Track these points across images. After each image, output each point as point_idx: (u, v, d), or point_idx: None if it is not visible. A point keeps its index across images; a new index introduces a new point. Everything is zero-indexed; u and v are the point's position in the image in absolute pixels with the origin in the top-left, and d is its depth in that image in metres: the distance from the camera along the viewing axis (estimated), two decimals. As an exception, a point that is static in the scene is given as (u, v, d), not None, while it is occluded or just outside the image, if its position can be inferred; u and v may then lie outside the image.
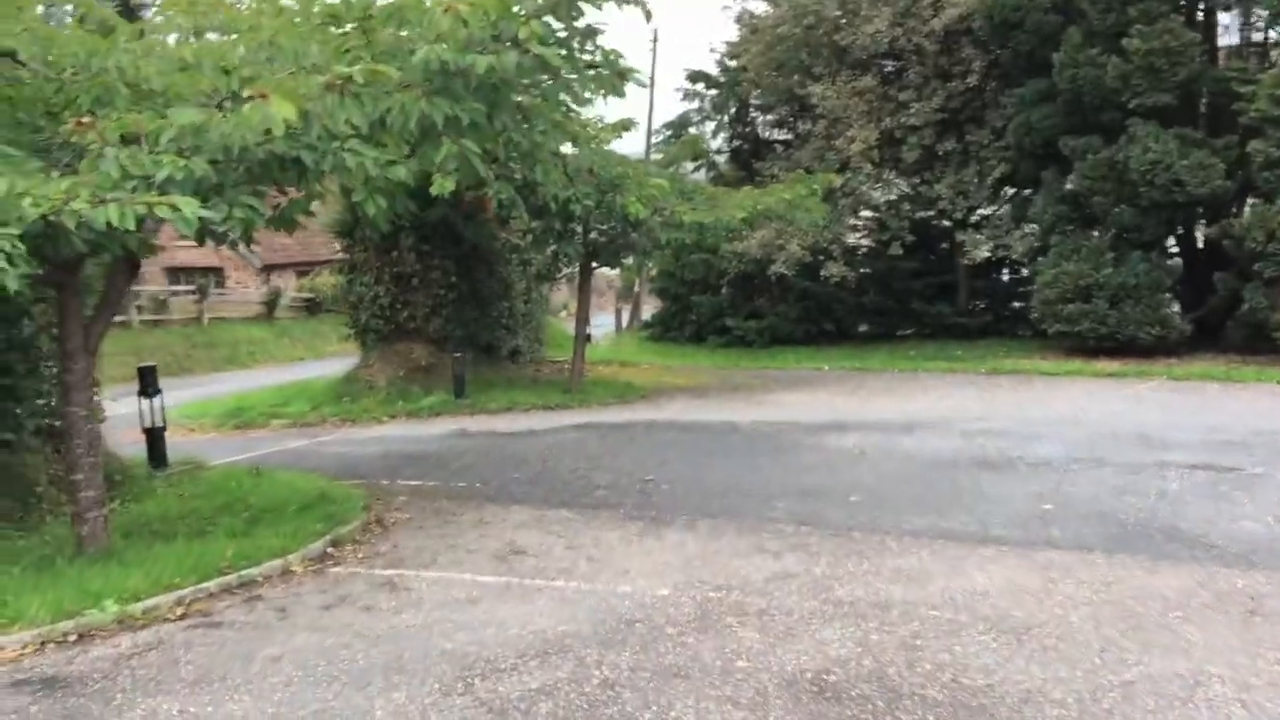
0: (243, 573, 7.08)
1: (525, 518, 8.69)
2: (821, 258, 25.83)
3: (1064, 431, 12.48)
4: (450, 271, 17.35)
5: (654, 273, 28.35)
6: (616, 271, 40.07)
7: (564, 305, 64.24)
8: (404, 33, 7.42)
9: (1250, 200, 20.44)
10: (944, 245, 28.72)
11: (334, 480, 10.22)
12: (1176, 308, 21.14)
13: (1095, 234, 21.19)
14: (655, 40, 39.82)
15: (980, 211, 25.69)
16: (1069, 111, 21.21)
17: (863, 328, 29.27)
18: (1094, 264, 20.91)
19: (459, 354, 16.54)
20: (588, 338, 33.53)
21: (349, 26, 7.78)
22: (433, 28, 6.90)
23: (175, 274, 40.61)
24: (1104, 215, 20.98)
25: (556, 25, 7.53)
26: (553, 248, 16.71)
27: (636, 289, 39.38)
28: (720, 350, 28.17)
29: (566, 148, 16.31)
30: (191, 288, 35.12)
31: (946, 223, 27.42)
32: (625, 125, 15.74)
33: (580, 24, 7.64)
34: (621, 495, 9.51)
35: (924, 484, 9.64)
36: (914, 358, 23.59)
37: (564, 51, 7.63)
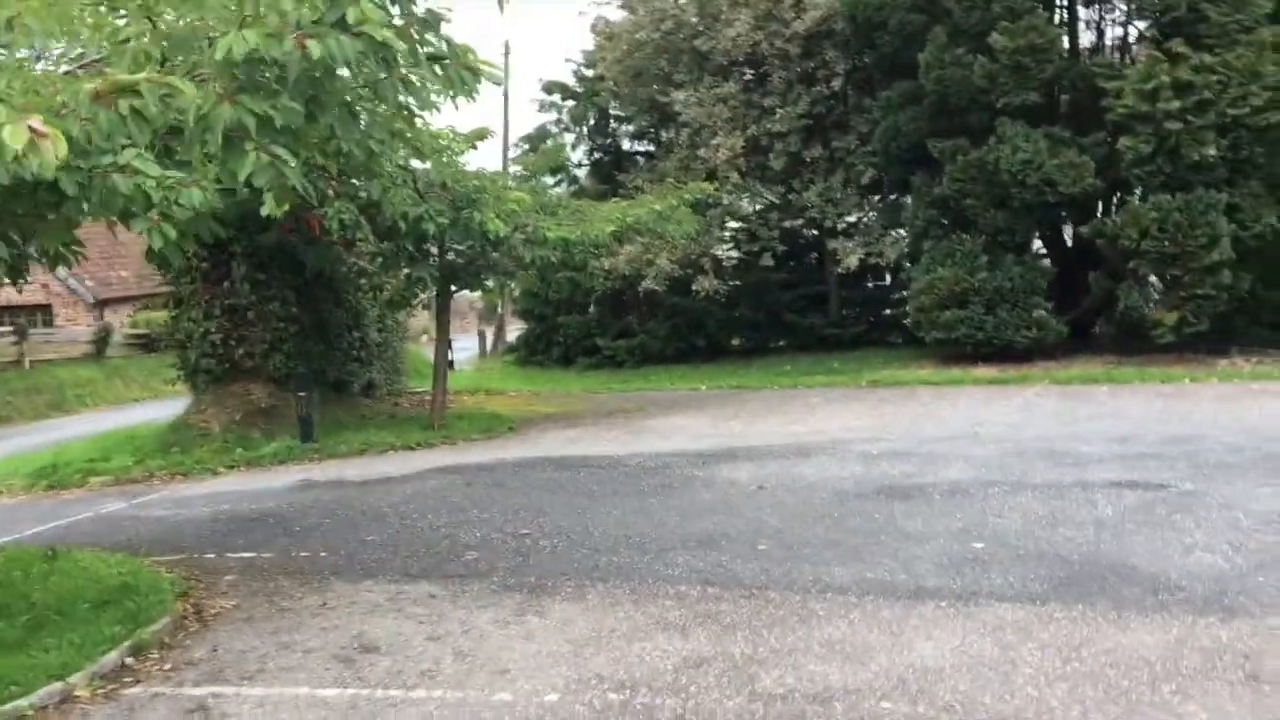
0: (6, 706, 5.48)
1: (379, 597, 7.25)
2: (691, 272, 24.86)
3: (966, 450, 11.65)
4: (290, 302, 15.65)
5: (517, 293, 26.94)
6: (477, 293, 38.57)
7: (424, 330, 62.00)
8: (196, 16, 5.95)
9: (1121, 198, 20.32)
10: (814, 255, 28.17)
11: (148, 559, 8.60)
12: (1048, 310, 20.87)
13: (968, 237, 20.74)
14: (507, 52, 38.42)
15: (849, 218, 25.12)
16: (936, 113, 20.72)
17: (735, 342, 28.42)
18: (968, 268, 20.44)
19: (303, 393, 14.86)
20: (450, 364, 31.97)
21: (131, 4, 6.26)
22: (238, 8, 5.48)
23: (-2, 310, 37.37)
24: (976, 218, 20.54)
25: (393, 11, 6.20)
26: (405, 271, 15.15)
27: (500, 310, 37.84)
28: (590, 372, 26.92)
29: (416, 163, 14.96)
30: (8, 329, 32.15)
31: (814, 232, 26.83)
32: (480, 135, 14.36)
33: (420, 9, 6.34)
34: (494, 557, 8.15)
35: (834, 522, 8.57)
36: (791, 372, 22.79)
37: (403, 45, 6.32)
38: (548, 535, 8.76)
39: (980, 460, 10.93)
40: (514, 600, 6.98)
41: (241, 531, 9.87)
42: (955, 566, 7.10)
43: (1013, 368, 19.74)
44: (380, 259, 15.13)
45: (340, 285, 16.98)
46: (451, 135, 14.22)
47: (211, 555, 8.89)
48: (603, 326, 27.37)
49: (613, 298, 27.01)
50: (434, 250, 14.88)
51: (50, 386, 31.05)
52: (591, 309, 27.47)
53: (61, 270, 32.40)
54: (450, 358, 32.75)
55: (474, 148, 14.38)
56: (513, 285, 22.15)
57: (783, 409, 16.86)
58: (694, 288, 24.29)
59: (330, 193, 12.98)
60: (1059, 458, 10.79)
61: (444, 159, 14.45)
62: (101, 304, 36.45)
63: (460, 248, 15.11)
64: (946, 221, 21.23)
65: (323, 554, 8.67)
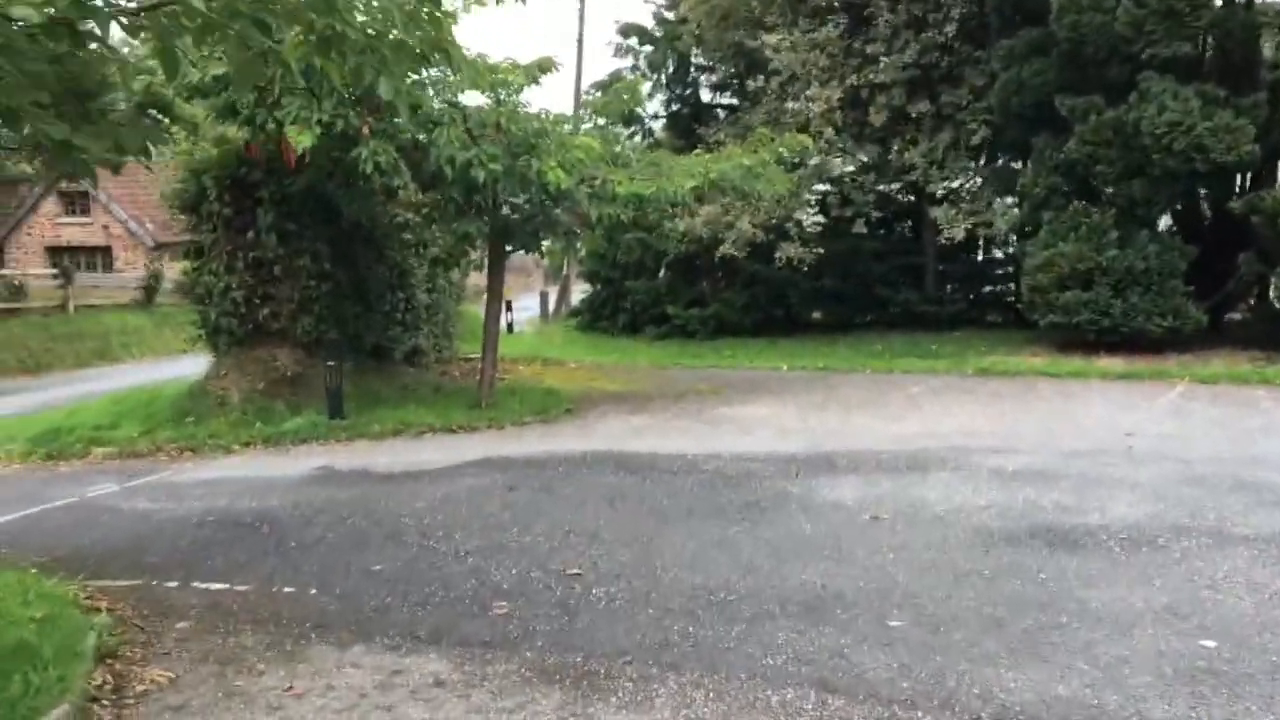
0: None
1: (367, 679, 5.24)
2: (773, 237, 22.59)
3: (1125, 472, 9.34)
4: (323, 257, 13.72)
5: (583, 253, 24.87)
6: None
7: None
8: None
9: (1282, 169, 17.62)
10: (909, 223, 25.72)
11: (94, 583, 6.73)
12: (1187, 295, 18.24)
13: (1095, 210, 18.18)
14: (583, -3, 36.13)
15: (953, 183, 22.62)
16: (1067, 65, 18.15)
17: (816, 316, 26.20)
18: (1095, 244, 17.96)
19: (332, 362, 12.94)
20: (509, 327, 30.04)
21: None
22: None
23: (58, 253, 36.18)
24: (1107, 187, 17.99)
25: None
26: (452, 226, 13.07)
27: (565, 271, 35.80)
28: (658, 343, 24.86)
29: (474, 99, 12.88)
30: (53, 271, 30.89)
31: (911, 198, 24.39)
32: (544, 66, 12.16)
33: None
34: (530, 613, 6.11)
35: (986, 585, 6.38)
36: (882, 353, 20.50)
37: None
38: (603, 578, 6.69)
39: (1150, 489, 8.63)
40: (551, 700, 4.92)
41: (227, 543, 7.95)
42: (1187, 684, 4.89)
43: (1143, 360, 17.24)
44: (424, 210, 13.07)
45: (383, 240, 15.02)
46: (510, 68, 12.08)
47: (175, 584, 6.96)
48: (674, 293, 25.28)
49: (685, 262, 24.92)
50: (485, 203, 12.82)
51: (96, 333, 29.77)
52: (662, 274, 25.40)
53: (120, 211, 30.87)
54: (509, 320, 30.90)
55: (536, 82, 12.20)
56: (578, 246, 20.15)
57: (880, 400, 14.61)
58: (777, 255, 22.01)
59: (365, 130, 10.96)
60: (1255, 492, 8.45)
61: (501, 95, 12.36)
62: (162, 247, 35.04)
63: (516, 201, 13.03)
64: (1071, 190, 18.70)
65: (312, 590, 6.69)
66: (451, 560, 7.23)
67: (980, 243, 25.13)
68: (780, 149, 13.94)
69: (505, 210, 13.51)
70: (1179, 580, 6.33)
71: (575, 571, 6.84)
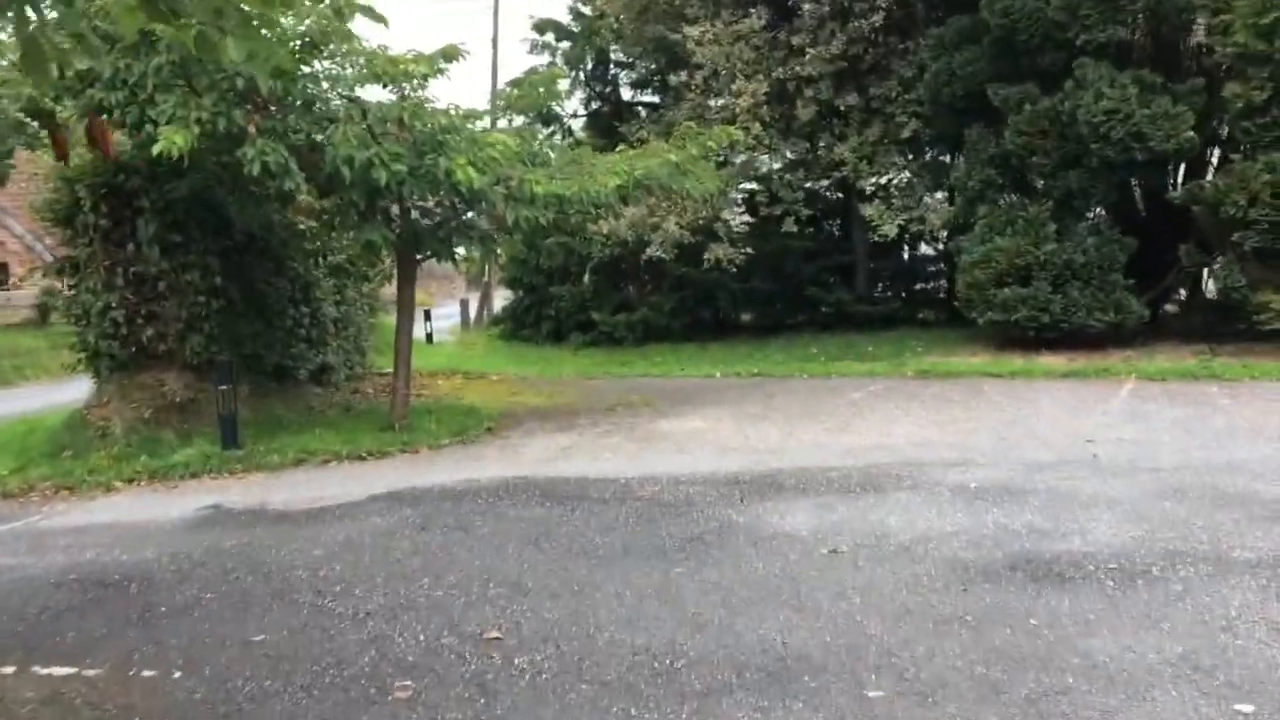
0: None
1: (229, 804, 4.19)
2: (700, 238, 21.75)
3: (1098, 486, 8.60)
4: (214, 270, 12.47)
5: (503, 260, 23.76)
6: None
7: (408, 295, 58.57)
8: None
9: (1224, 156, 17.20)
10: (837, 221, 25.07)
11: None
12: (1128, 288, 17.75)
13: (1032, 202, 17.63)
14: (497, -5, 34.99)
15: (881, 179, 21.96)
16: (999, 54, 17.58)
17: (745, 318, 25.42)
18: (1033, 238, 17.42)
19: (224, 385, 11.70)
20: (428, 338, 28.78)
21: None
22: None
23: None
24: (1044, 179, 17.45)
25: None
26: (353, 234, 11.86)
27: (486, 277, 34.61)
28: (585, 350, 23.89)
29: (374, 93, 11.76)
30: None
31: (839, 194, 23.73)
32: (450, 54, 11.02)
33: None
34: (440, 697, 5.07)
35: (973, 635, 5.50)
36: (817, 357, 19.77)
37: None
38: (527, 643, 5.68)
39: (1129, 507, 7.87)
40: (462, 826, 3.91)
41: (85, 610, 6.77)
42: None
43: (1085, 357, 16.75)
44: (323, 217, 11.89)
45: (281, 250, 13.81)
46: (413, 58, 10.96)
47: (10, 669, 5.77)
48: (599, 299, 24.32)
49: (610, 266, 24.00)
50: (390, 207, 11.70)
51: (-31, 355, 27.83)
52: (586, 279, 24.40)
53: (16, 225, 29.03)
54: (429, 330, 29.69)
55: (440, 72, 11.08)
56: (498, 252, 18.99)
57: (822, 408, 13.79)
58: (705, 256, 21.15)
59: (252, 128, 9.82)
60: (1242, 506, 7.74)
61: (405, 90, 11.27)
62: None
63: (425, 205, 11.93)
64: (1006, 183, 18.16)
65: (176, 674, 5.56)
66: (349, 625, 6.15)
67: (907, 239, 24.59)
68: (708, 143, 13.02)
69: (414, 215, 12.42)
70: (1189, 622, 5.52)
71: (495, 635, 5.82)
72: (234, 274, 12.86)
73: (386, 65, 10.81)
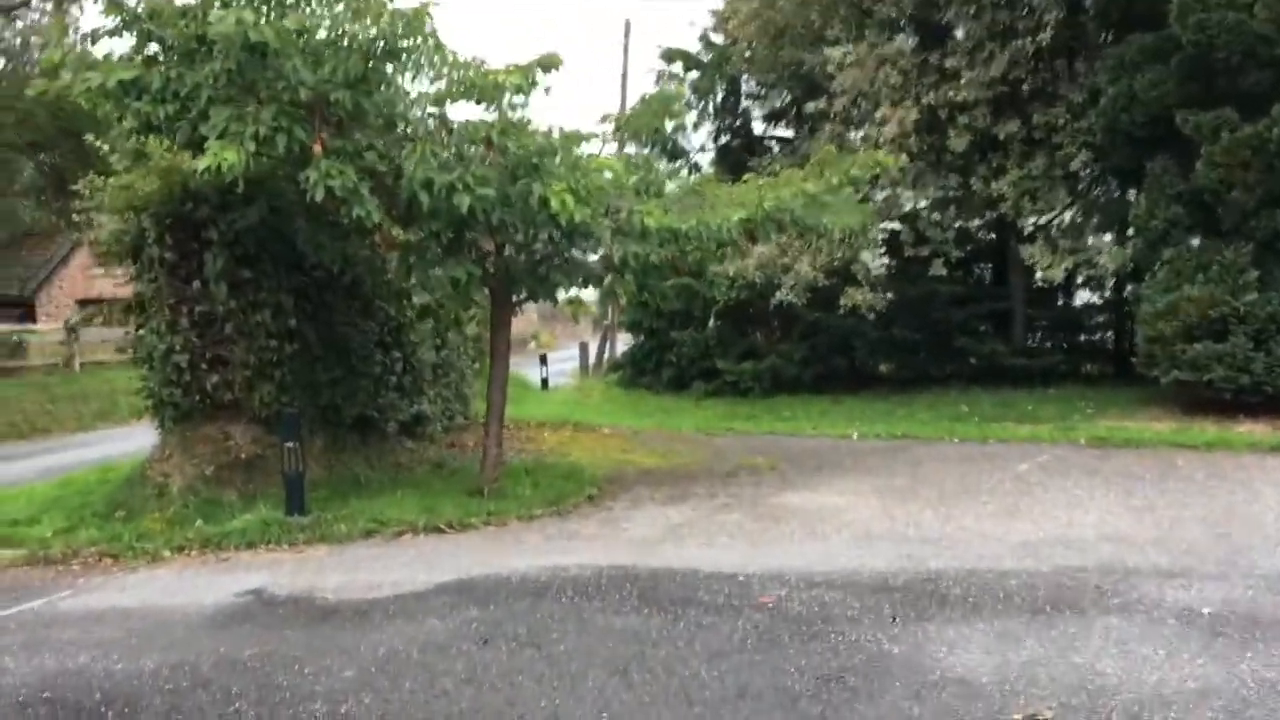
0: None
1: None
2: (837, 281, 19.78)
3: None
4: (286, 311, 11.13)
5: (624, 301, 22.19)
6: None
7: (533, 335, 57.43)
8: None
9: None
10: (987, 265, 22.75)
11: None
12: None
13: (1229, 245, 15.16)
14: (627, 31, 33.86)
15: (1043, 218, 19.64)
16: (1191, 75, 15.24)
17: (883, 369, 23.21)
18: (1230, 286, 14.92)
19: (291, 443, 10.26)
20: (543, 383, 27.35)
21: None
22: None
23: (91, 307, 34.32)
24: (1243, 218, 14.97)
25: None
26: (435, 271, 10.30)
27: (606, 320, 33.17)
28: (707, 401, 22.08)
29: (464, 112, 10.24)
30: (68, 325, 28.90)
31: (992, 235, 21.47)
32: (547, 64, 9.39)
33: None
34: None
35: None
36: (969, 416, 17.51)
37: None
38: None
39: None
40: None
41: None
42: None
43: (1295, 427, 14.14)
44: (400, 249, 10.38)
45: (368, 287, 12.45)
46: (504, 70, 9.40)
47: None
48: (724, 345, 22.51)
49: (737, 310, 22.17)
50: (483, 242, 10.15)
51: (101, 393, 27.55)
52: (711, 323, 22.61)
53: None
54: (544, 375, 28.30)
55: (534, 84, 9.49)
56: (616, 292, 17.36)
57: (982, 483, 11.65)
58: (842, 301, 19.15)
59: (318, 147, 8.40)
60: None
61: (500, 104, 9.73)
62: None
63: (521, 240, 10.34)
64: (1195, 222, 15.70)
65: None
66: (351, 809, 4.44)
67: (1071, 286, 22.15)
68: (851, 171, 11.12)
69: (510, 251, 10.85)
70: None
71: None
72: (311, 315, 11.53)
73: (476, 77, 9.28)
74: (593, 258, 11.52)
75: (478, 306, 12.70)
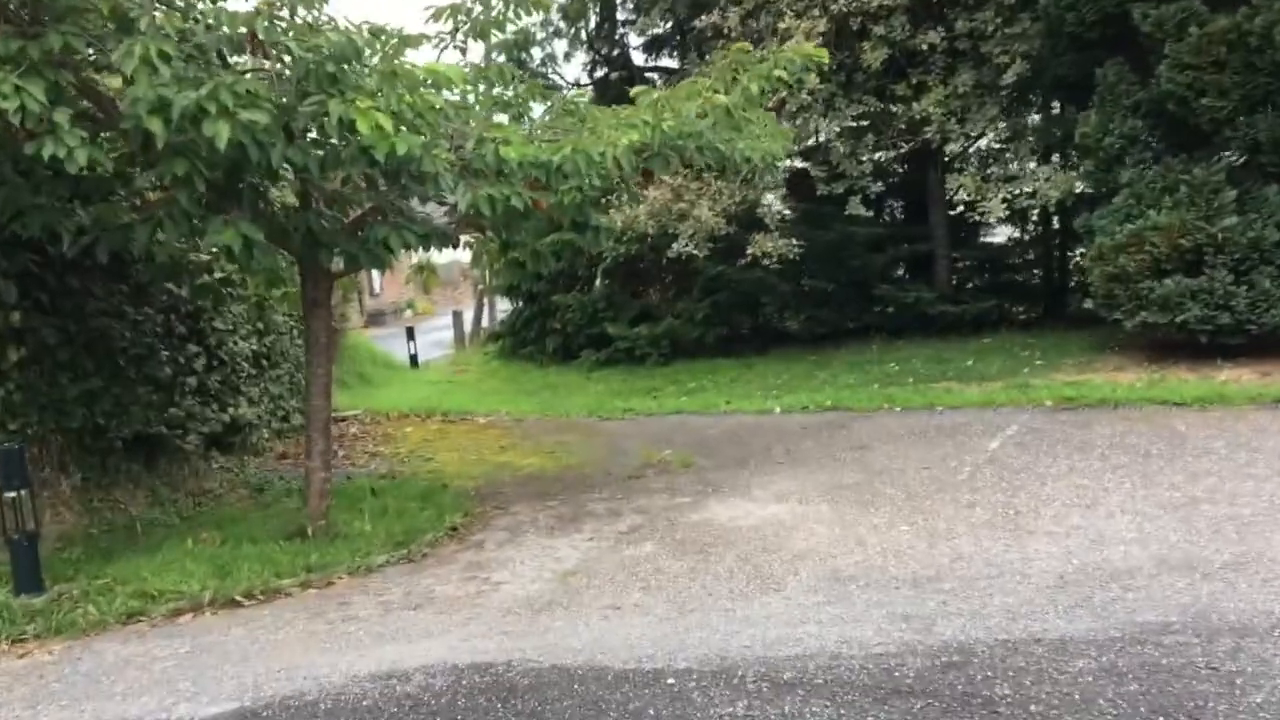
0: None
1: None
2: (736, 229, 17.18)
3: None
4: (7, 303, 7.95)
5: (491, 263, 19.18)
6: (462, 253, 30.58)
7: (407, 304, 53.12)
8: None
9: None
10: (903, 200, 20.41)
11: None
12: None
13: (1199, 163, 12.96)
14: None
15: (972, 142, 17.27)
16: (1149, -40, 12.88)
17: (792, 325, 20.62)
18: (1203, 210, 12.71)
19: (14, 491, 7.13)
20: (412, 360, 24.14)
21: None
22: None
23: None
24: (1218, 129, 12.76)
25: None
26: (197, 231, 7.15)
27: (481, 284, 30.02)
28: (599, 372, 19.32)
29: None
30: None
31: (905, 165, 19.11)
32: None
33: None
34: None
35: None
36: (902, 376, 15.12)
37: None
38: None
39: None
40: None
41: None
42: None
43: (1288, 370, 12.08)
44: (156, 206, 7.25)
45: (147, 265, 9.26)
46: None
47: None
48: (614, 308, 19.77)
49: (627, 267, 19.41)
50: (260, 185, 7.13)
51: None
52: (598, 284, 19.84)
53: None
54: (412, 352, 25.11)
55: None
56: (492, 259, 14.43)
57: (951, 474, 9.17)
58: (750, 250, 16.54)
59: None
60: None
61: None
62: None
63: (329, 186, 7.34)
64: (1159, 138, 13.45)
65: None
66: None
67: (988, 218, 19.93)
68: (776, 71, 8.35)
69: (318, 204, 7.83)
70: None
71: None
72: (50, 307, 8.33)
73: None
74: (438, 208, 8.67)
75: (282, 283, 9.58)
